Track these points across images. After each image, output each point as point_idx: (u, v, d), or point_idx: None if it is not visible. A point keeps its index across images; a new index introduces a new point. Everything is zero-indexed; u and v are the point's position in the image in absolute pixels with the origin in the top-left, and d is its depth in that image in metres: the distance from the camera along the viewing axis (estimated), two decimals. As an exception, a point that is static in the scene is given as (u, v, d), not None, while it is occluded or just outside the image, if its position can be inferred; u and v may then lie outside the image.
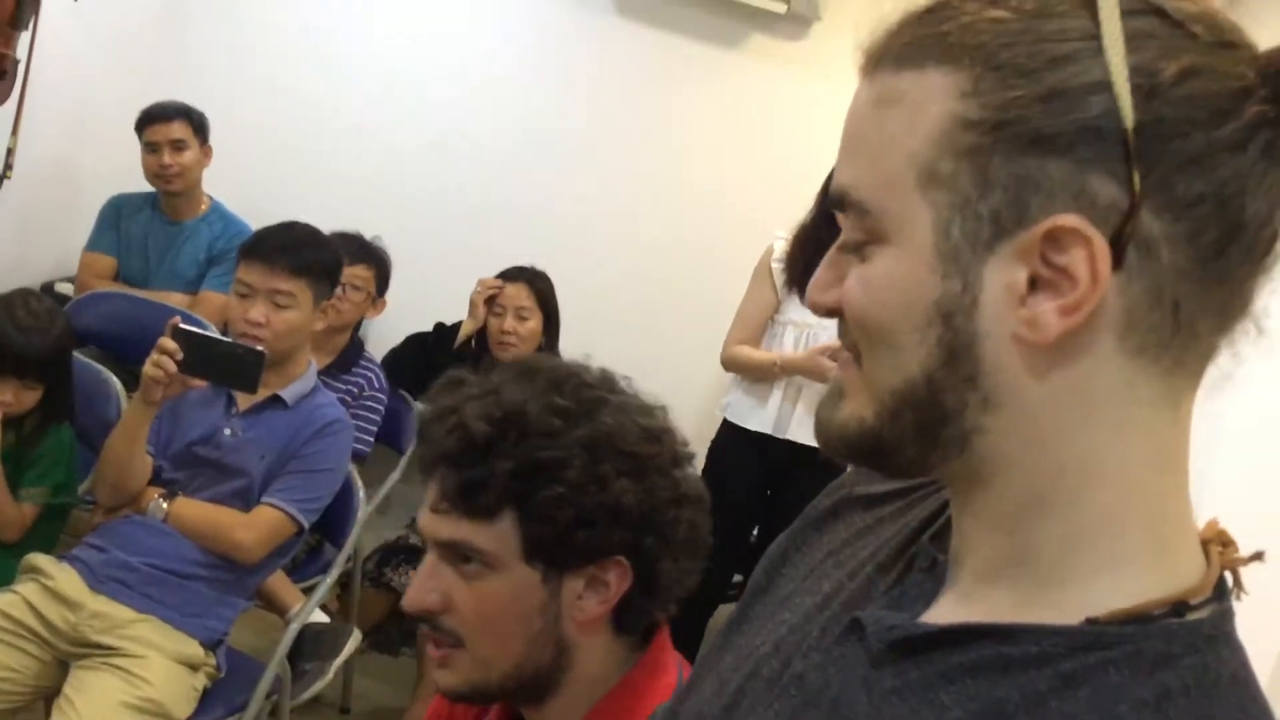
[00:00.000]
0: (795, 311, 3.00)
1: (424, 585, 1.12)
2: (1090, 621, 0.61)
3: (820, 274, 0.69)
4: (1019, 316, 0.60)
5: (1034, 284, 0.60)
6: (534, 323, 3.27)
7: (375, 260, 3.22)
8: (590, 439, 1.08)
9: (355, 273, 3.11)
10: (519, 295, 3.27)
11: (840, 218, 0.67)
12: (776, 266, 3.02)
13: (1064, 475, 0.62)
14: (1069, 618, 0.61)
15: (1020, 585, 0.65)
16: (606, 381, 1.15)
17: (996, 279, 0.61)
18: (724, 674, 0.81)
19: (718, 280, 3.40)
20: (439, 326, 3.39)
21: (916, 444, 0.65)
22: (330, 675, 2.64)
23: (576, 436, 1.07)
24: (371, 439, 3.05)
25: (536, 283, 3.29)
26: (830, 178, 2.64)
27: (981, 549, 0.67)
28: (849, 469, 0.90)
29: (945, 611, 0.68)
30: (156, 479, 2.31)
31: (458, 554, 1.11)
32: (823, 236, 2.92)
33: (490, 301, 3.28)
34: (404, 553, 3.17)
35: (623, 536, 1.10)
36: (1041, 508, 0.63)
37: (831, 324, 2.66)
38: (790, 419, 2.98)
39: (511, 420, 1.07)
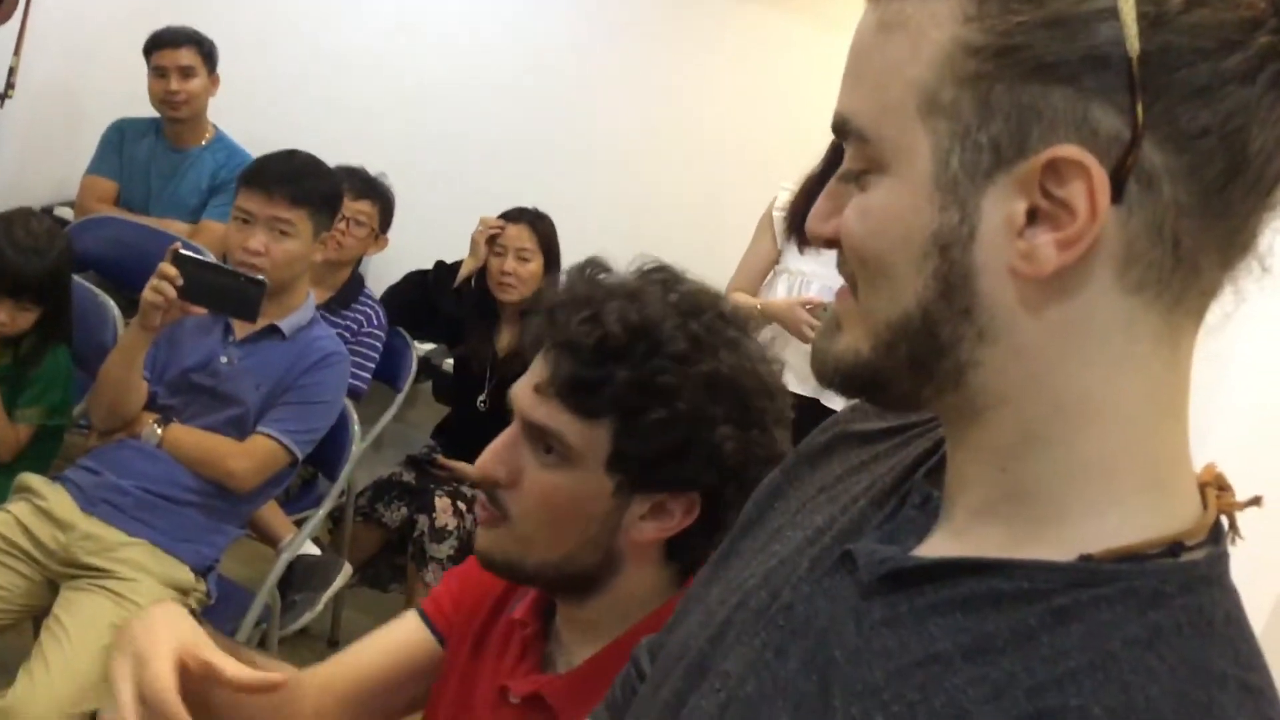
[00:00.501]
0: (793, 260, 3.00)
1: (498, 455, 1.11)
2: (1084, 558, 0.60)
3: (820, 204, 0.68)
4: (1016, 249, 0.59)
5: (1032, 216, 0.59)
6: (535, 264, 3.26)
7: (379, 196, 3.20)
8: (711, 376, 1.06)
9: (359, 208, 3.10)
10: (520, 236, 3.25)
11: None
12: (778, 215, 3.02)
13: (1060, 412, 0.62)
14: (1062, 555, 0.61)
15: (1014, 522, 0.64)
16: (739, 322, 1.13)
17: (995, 210, 0.60)
18: (711, 605, 0.81)
19: (722, 230, 3.38)
20: (439, 265, 3.38)
21: (912, 377, 0.64)
22: (320, 607, 2.66)
23: (700, 370, 1.06)
24: (369, 375, 3.04)
25: (538, 224, 3.28)
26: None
27: (976, 485, 0.66)
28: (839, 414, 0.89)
29: (938, 546, 0.67)
30: (152, 405, 2.31)
31: (542, 439, 1.09)
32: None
33: (491, 241, 3.26)
34: (396, 489, 3.18)
35: (708, 478, 1.09)
36: (1036, 444, 0.63)
37: (822, 274, 2.68)
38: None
39: (645, 332, 1.06)
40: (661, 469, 1.08)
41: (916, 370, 0.64)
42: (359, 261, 3.28)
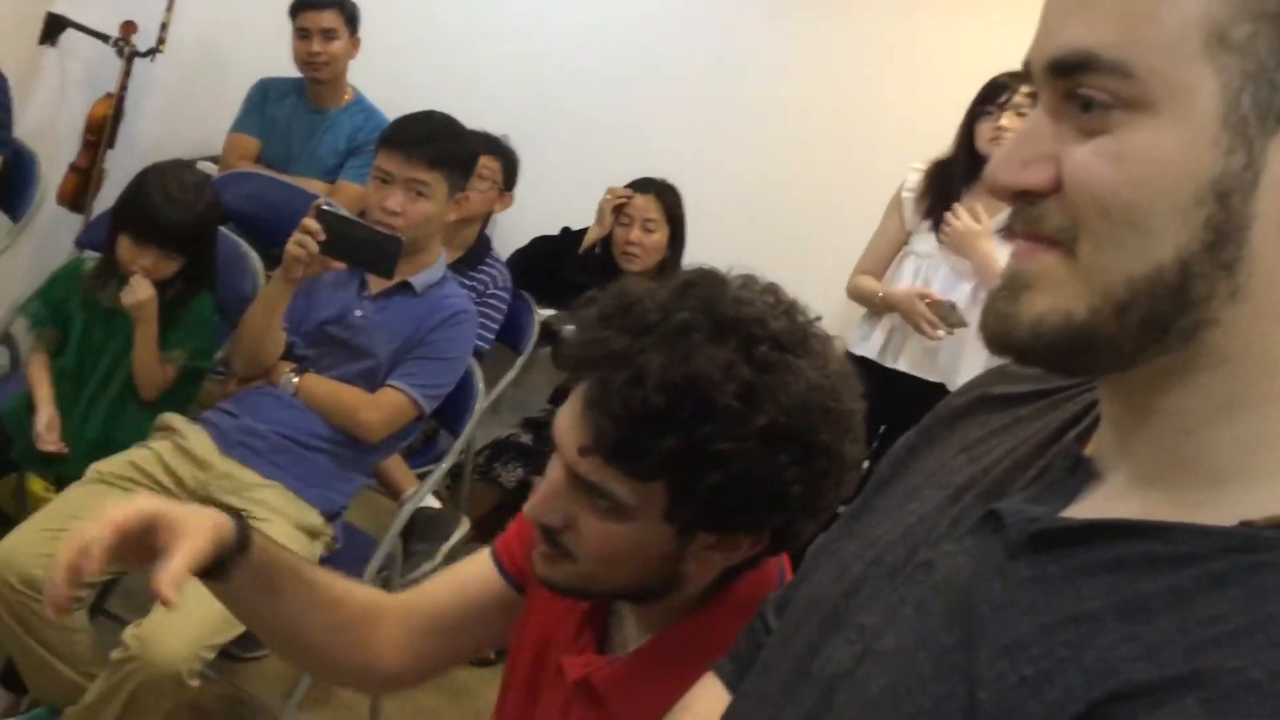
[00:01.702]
0: (920, 243, 2.97)
1: (549, 504, 1.06)
2: (1244, 524, 0.59)
3: (1016, 149, 0.63)
4: None
5: None
6: (659, 235, 3.28)
7: (502, 153, 3.24)
8: (769, 428, 0.97)
9: (483, 163, 3.13)
10: (647, 207, 3.27)
11: (1048, 86, 0.62)
12: (908, 197, 3.00)
13: (1274, 375, 0.60)
14: (1223, 521, 0.60)
15: (1178, 487, 0.63)
16: (798, 334, 1.02)
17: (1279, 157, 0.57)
18: (845, 560, 0.82)
19: (848, 211, 3.35)
20: (565, 231, 3.41)
21: (1138, 339, 0.61)
22: (439, 560, 2.72)
23: (757, 425, 0.96)
24: (492, 336, 3.09)
25: (665, 195, 3.29)
26: (974, 105, 2.55)
27: (1146, 449, 0.65)
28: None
29: (1089, 508, 0.67)
30: (289, 354, 2.39)
31: (592, 491, 1.03)
32: (958, 171, 2.87)
33: (618, 211, 3.29)
34: (513, 450, 3.23)
35: (778, 521, 1.04)
36: (1236, 407, 0.61)
37: (951, 259, 2.57)
38: (899, 349, 2.97)
39: (692, 394, 0.96)
40: (723, 519, 1.03)
41: (1146, 330, 0.60)
42: (486, 222, 3.33)
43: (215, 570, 1.06)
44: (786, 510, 1.02)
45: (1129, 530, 0.62)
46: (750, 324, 0.99)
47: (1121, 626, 0.59)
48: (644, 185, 3.32)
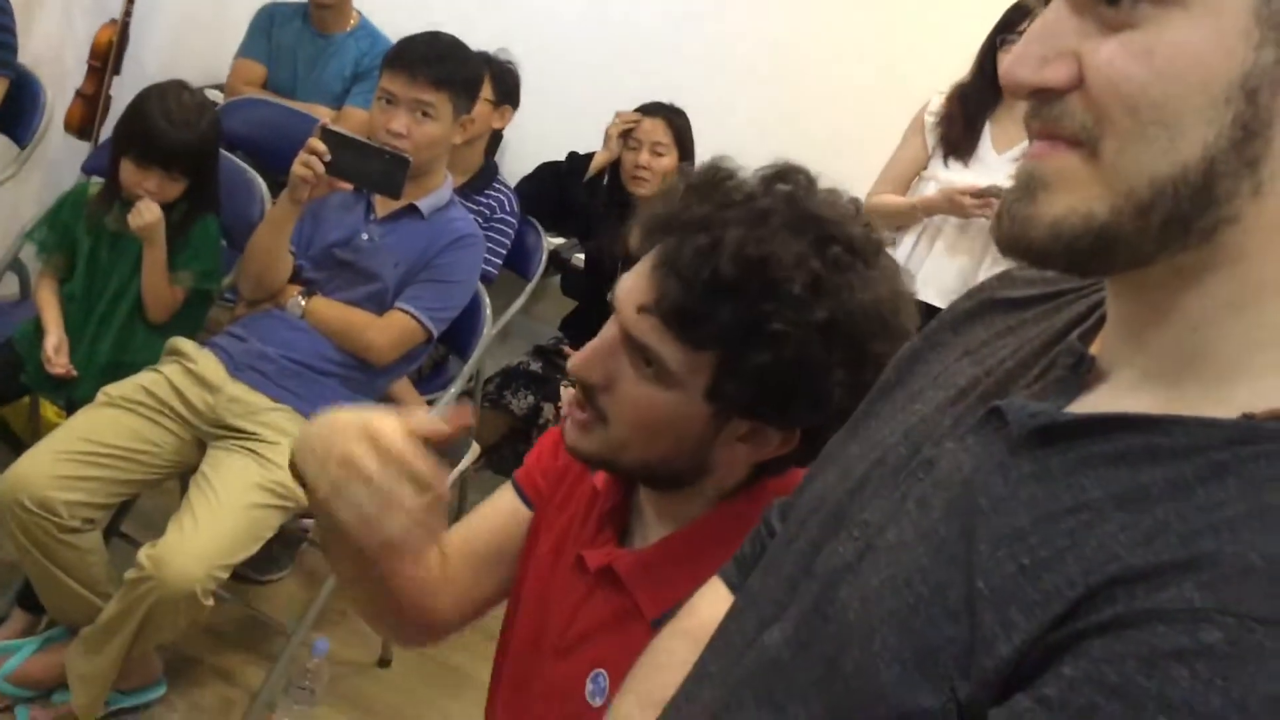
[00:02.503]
0: (941, 170, 2.94)
1: (594, 360, 1.07)
2: (1246, 417, 0.59)
3: (1034, 45, 0.62)
4: None
5: None
6: (669, 159, 3.26)
7: (493, 67, 3.16)
8: (829, 322, 0.98)
9: None
10: (656, 130, 3.25)
11: None
12: (930, 120, 2.96)
13: None
14: (1225, 414, 0.60)
15: (1182, 384, 0.63)
16: (871, 249, 1.03)
17: None
18: (849, 462, 0.82)
19: (865, 135, 3.31)
20: (572, 155, 3.39)
21: (1159, 239, 0.60)
22: (448, 484, 2.73)
23: (817, 317, 0.98)
24: (500, 262, 3.08)
25: (675, 119, 3.27)
26: (996, 30, 2.51)
27: (1154, 346, 0.65)
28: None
29: (1092, 404, 0.67)
30: (296, 278, 2.39)
31: (642, 353, 1.04)
32: (982, 94, 2.83)
33: (626, 135, 3.26)
34: (523, 378, 3.24)
35: (813, 419, 1.05)
36: (1245, 305, 0.61)
37: (977, 184, 2.49)
38: (915, 278, 2.94)
39: (762, 270, 0.97)
40: (763, 405, 1.04)
41: (1168, 229, 0.60)
42: (495, 147, 3.30)
43: None
44: (824, 411, 1.03)
45: (1131, 423, 0.62)
46: (829, 224, 1.01)
47: (1121, 515, 0.59)
48: (653, 109, 3.29)
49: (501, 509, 1.28)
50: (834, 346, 0.99)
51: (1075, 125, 0.61)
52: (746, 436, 1.07)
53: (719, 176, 1.04)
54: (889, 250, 2.96)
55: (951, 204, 2.84)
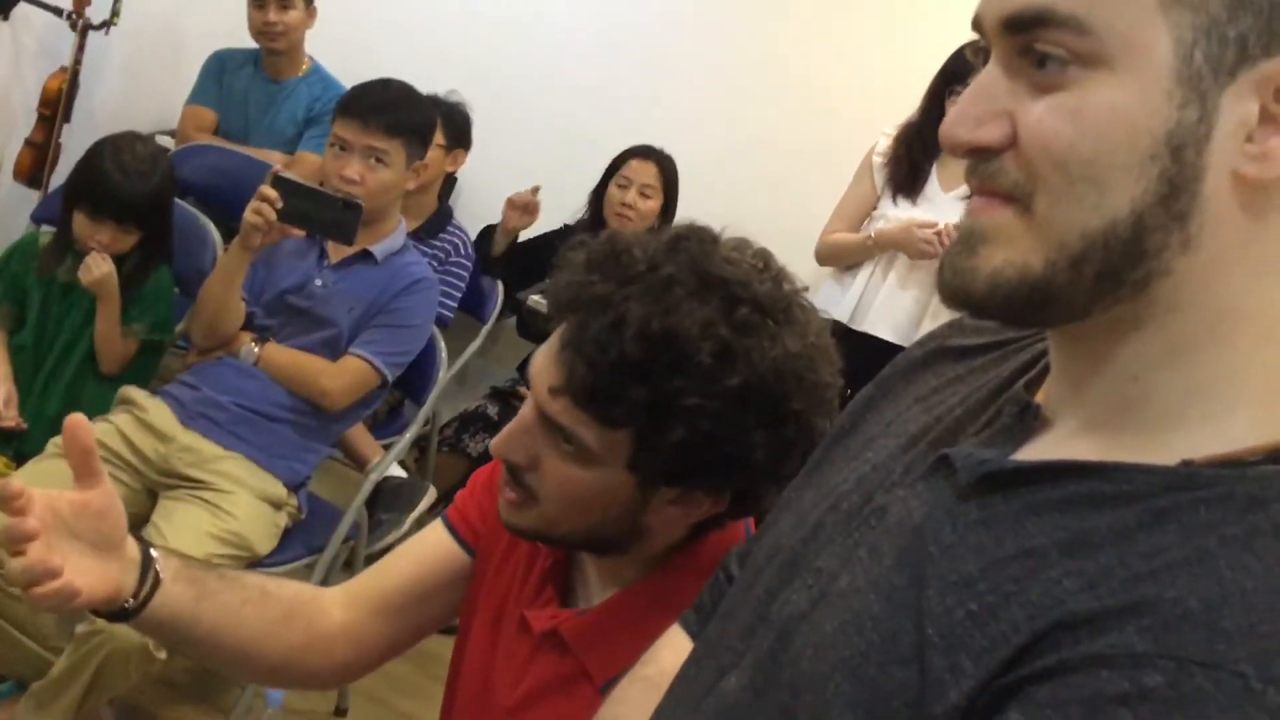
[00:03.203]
0: (891, 208, 2.99)
1: (515, 441, 1.06)
2: (1185, 463, 0.61)
3: (968, 107, 0.64)
4: (1246, 152, 0.59)
5: (1261, 119, 0.59)
6: (655, 202, 3.30)
7: (445, 110, 3.15)
8: (742, 388, 0.97)
9: None
10: (646, 172, 3.30)
11: (1001, 42, 0.63)
12: (878, 161, 3.01)
13: (1220, 322, 0.62)
14: (1166, 461, 0.62)
15: (1123, 432, 0.65)
16: (780, 304, 1.02)
17: (1232, 111, 0.59)
18: (804, 509, 0.83)
19: (819, 177, 3.35)
20: (483, 232, 3.41)
21: (1093, 291, 0.62)
22: (405, 528, 2.72)
23: (729, 385, 0.97)
24: (454, 305, 3.08)
25: (665, 164, 3.34)
26: (942, 76, 2.56)
27: (1094, 395, 0.67)
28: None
29: (1037, 452, 0.69)
30: (249, 325, 2.37)
31: (559, 433, 1.03)
32: (927, 137, 2.88)
33: (615, 172, 3.30)
34: (481, 421, 3.24)
35: (739, 482, 1.05)
36: (1181, 354, 0.63)
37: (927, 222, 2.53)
38: (868, 312, 2.99)
39: (669, 347, 0.96)
40: (686, 475, 1.03)
41: (1101, 283, 0.62)
42: (449, 191, 3.31)
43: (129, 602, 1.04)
44: (749, 473, 1.02)
45: (1076, 470, 0.64)
46: (735, 285, 1.00)
47: (1066, 561, 0.60)
48: (644, 152, 3.34)
49: (428, 552, 1.24)
50: (749, 410, 0.99)
51: (1009, 182, 0.63)
52: (676, 500, 1.06)
53: (618, 248, 1.02)
54: (837, 285, 2.98)
55: (907, 237, 2.88)
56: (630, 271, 1.00)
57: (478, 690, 1.19)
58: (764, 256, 1.06)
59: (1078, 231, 0.61)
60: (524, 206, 3.28)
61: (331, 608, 1.21)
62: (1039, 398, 0.73)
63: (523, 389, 3.28)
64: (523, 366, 3.49)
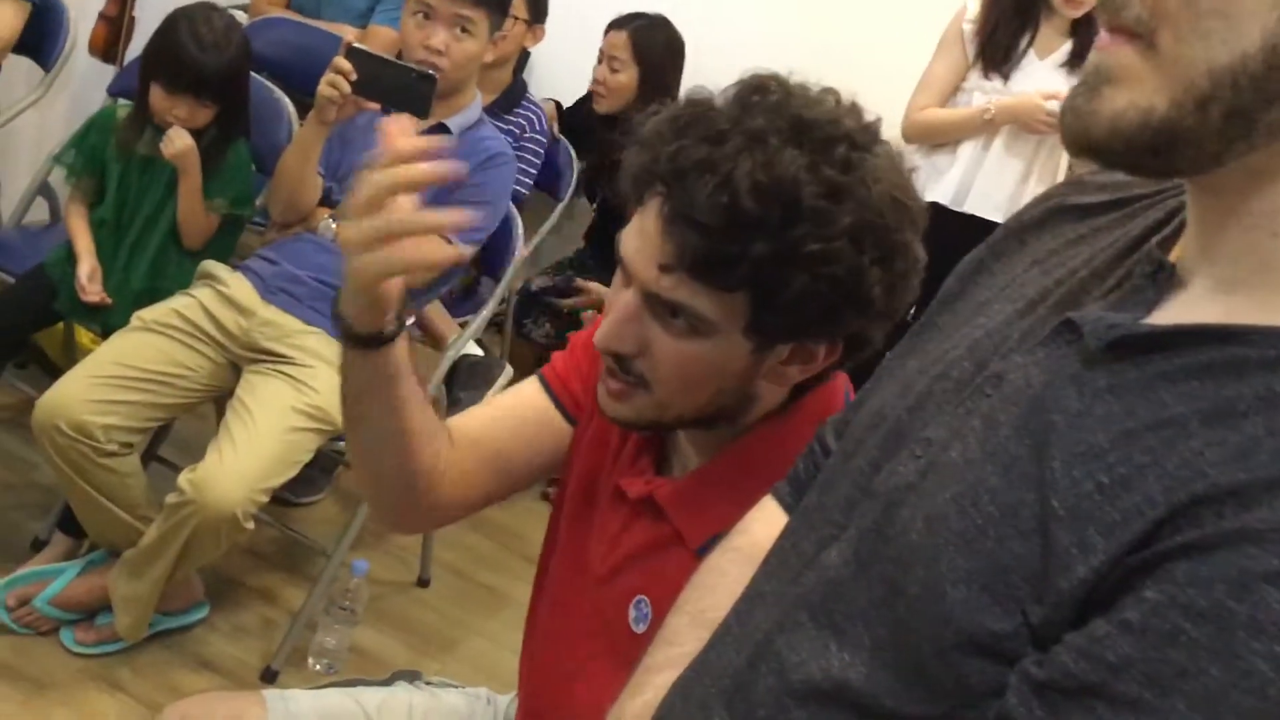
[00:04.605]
0: (983, 81, 2.86)
1: (620, 331, 1.04)
2: None
3: None
4: None
5: None
6: (624, 75, 3.13)
7: None
8: (856, 226, 0.95)
9: None
10: (616, 44, 3.15)
11: None
12: (968, 29, 2.87)
13: None
14: None
15: (1265, 291, 0.61)
16: (867, 137, 1.00)
17: None
18: (908, 377, 0.80)
19: (898, 48, 3.22)
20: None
21: (1222, 135, 0.58)
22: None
23: (844, 226, 0.95)
24: (530, 181, 3.03)
25: (640, 34, 3.15)
26: None
27: (1232, 253, 0.63)
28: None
29: (1172, 314, 0.65)
30: (326, 200, 2.36)
31: (670, 311, 1.01)
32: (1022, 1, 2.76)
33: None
34: (541, 306, 3.20)
35: (857, 326, 1.03)
36: None
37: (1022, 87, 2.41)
38: (970, 190, 2.87)
39: (781, 197, 0.94)
40: (806, 327, 1.01)
41: (1231, 125, 0.58)
42: (522, 65, 3.24)
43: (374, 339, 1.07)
44: (867, 313, 1.01)
45: (1214, 335, 0.60)
46: (825, 125, 0.97)
47: (1207, 431, 0.57)
48: (619, 21, 3.19)
49: (528, 411, 1.24)
50: (864, 248, 0.97)
51: (1133, 17, 0.60)
52: (790, 359, 1.05)
53: (698, 111, 0.99)
54: (930, 165, 2.88)
55: (1030, 108, 2.75)
56: (719, 130, 0.96)
57: (571, 562, 1.20)
58: (834, 92, 1.03)
59: (1204, 69, 0.57)
60: None
61: (459, 446, 1.21)
62: (1173, 257, 0.68)
63: (578, 281, 3.22)
64: (589, 234, 3.40)
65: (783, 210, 0.94)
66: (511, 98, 3.09)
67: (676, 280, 0.99)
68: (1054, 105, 2.71)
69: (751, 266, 0.96)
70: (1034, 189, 2.77)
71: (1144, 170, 0.65)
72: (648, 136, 1.01)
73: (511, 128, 3.03)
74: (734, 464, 1.10)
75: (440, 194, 2.28)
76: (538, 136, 3.07)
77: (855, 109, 1.02)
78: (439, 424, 1.18)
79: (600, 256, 3.26)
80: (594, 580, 1.15)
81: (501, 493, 1.26)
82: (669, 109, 1.02)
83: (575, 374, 1.24)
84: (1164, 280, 0.67)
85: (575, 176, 3.22)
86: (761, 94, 0.99)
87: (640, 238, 1.01)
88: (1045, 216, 0.82)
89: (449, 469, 1.19)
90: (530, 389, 1.25)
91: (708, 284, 0.98)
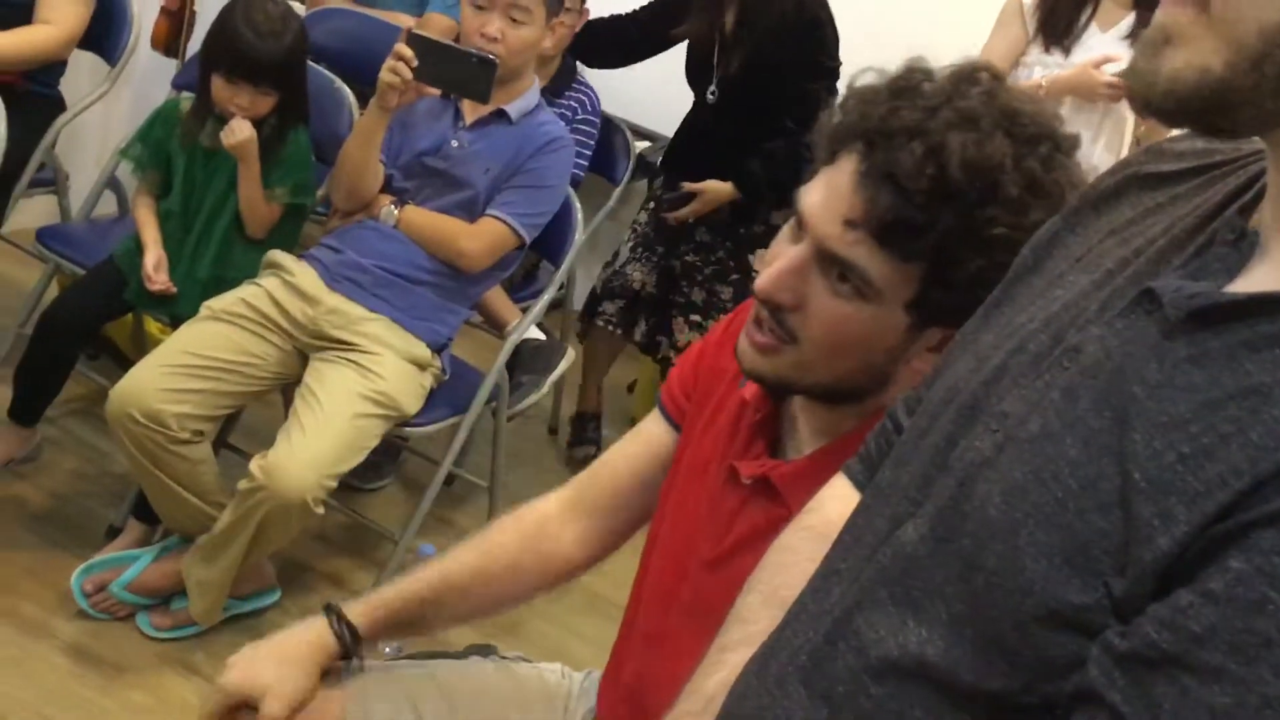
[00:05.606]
0: (1043, 55, 2.82)
1: (783, 280, 1.03)
2: None
3: None
4: None
5: None
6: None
7: None
8: (1039, 225, 0.92)
9: None
10: None
11: None
12: (1028, 2, 2.83)
13: None
14: None
15: None
16: (1072, 141, 1.02)
17: None
18: (983, 351, 0.79)
19: (956, 25, 3.17)
20: None
21: (1276, 94, 0.58)
22: (545, 389, 2.75)
23: (1033, 220, 0.93)
24: (585, 163, 3.02)
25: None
26: None
27: None
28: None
29: (1255, 282, 0.63)
30: (387, 187, 2.37)
31: (839, 268, 1.01)
32: None
33: None
34: (631, 296, 3.13)
35: None
36: None
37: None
38: None
39: (985, 176, 0.95)
40: (968, 311, 0.98)
41: None
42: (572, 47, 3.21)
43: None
44: None
45: None
46: (1035, 120, 0.99)
47: None
48: None
49: (645, 442, 1.30)
50: None
51: None
52: (938, 347, 1.03)
53: (914, 80, 1.00)
54: None
55: (1085, 79, 2.72)
56: (933, 102, 0.97)
57: (679, 549, 1.20)
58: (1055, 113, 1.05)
59: (1255, 28, 0.57)
60: None
61: (560, 529, 1.30)
62: (1253, 223, 0.67)
63: (664, 216, 3.14)
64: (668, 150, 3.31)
65: (982, 190, 0.95)
66: (563, 80, 3.08)
67: (858, 238, 0.99)
68: (1114, 69, 2.66)
69: (937, 238, 0.96)
70: (1103, 159, 2.72)
71: (1209, 129, 0.65)
72: (858, 93, 1.03)
73: (564, 110, 3.02)
74: (852, 449, 1.07)
75: (499, 180, 2.32)
76: (590, 117, 3.05)
77: (1059, 115, 1.03)
78: (516, 558, 1.30)
79: (683, 159, 3.11)
80: (703, 566, 1.15)
81: (638, 524, 1.33)
82: (886, 73, 1.03)
83: (678, 381, 1.29)
84: (1245, 247, 0.65)
85: (631, 159, 3.19)
86: (973, 77, 1.00)
87: (827, 190, 1.01)
88: (1122, 185, 0.80)
89: (577, 542, 1.31)
90: (647, 424, 1.31)
91: (888, 247, 0.98)
